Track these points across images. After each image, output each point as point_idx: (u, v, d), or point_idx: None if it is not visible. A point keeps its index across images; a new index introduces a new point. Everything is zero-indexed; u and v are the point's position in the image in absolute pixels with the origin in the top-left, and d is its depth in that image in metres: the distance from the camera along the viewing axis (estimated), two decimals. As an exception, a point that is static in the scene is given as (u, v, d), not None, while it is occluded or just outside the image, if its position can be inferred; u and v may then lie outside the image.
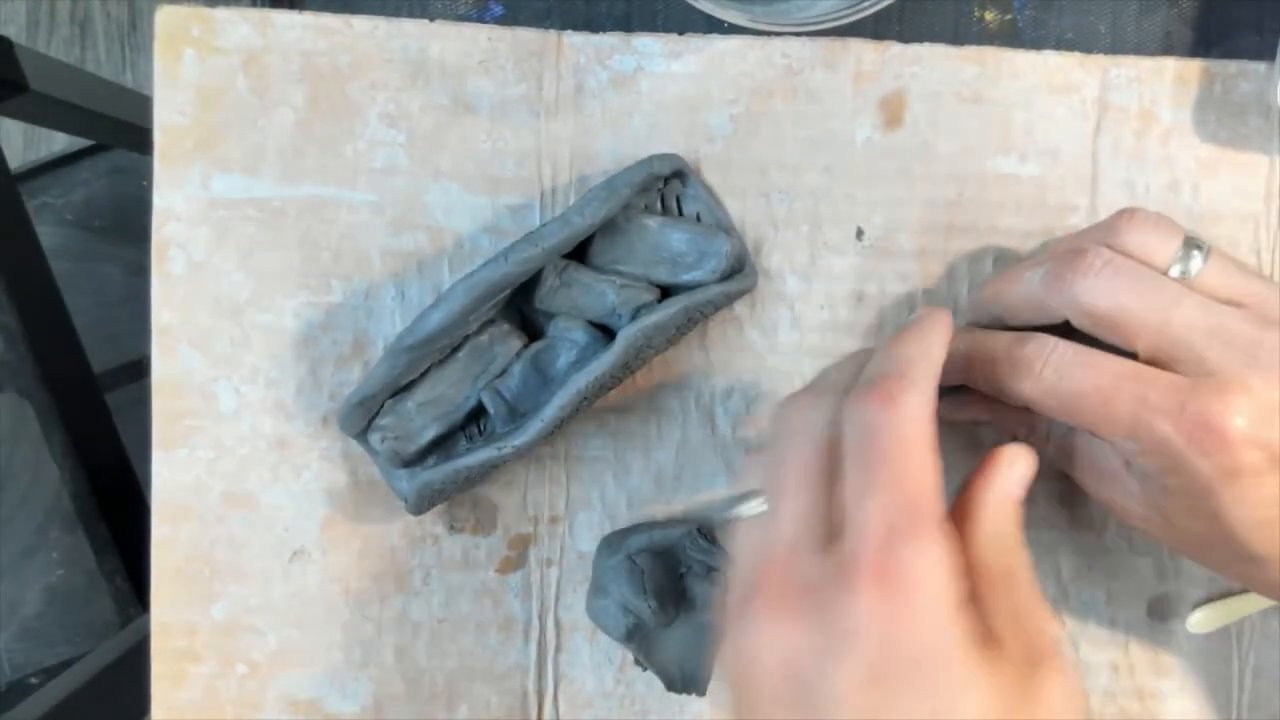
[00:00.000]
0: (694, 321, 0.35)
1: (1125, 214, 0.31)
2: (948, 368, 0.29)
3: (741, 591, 0.26)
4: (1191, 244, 0.30)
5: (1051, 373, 0.30)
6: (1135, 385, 0.28)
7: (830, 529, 0.26)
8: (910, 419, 0.25)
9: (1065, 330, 0.31)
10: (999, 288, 0.33)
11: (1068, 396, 0.29)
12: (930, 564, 0.24)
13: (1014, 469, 0.28)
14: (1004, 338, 0.31)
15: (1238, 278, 0.30)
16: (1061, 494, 0.37)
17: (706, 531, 0.35)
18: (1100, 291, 0.29)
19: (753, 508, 0.30)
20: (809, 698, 0.24)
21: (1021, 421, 0.34)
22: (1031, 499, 0.37)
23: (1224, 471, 0.28)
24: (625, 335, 0.33)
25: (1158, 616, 0.37)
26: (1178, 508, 0.30)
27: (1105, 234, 0.30)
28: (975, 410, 0.33)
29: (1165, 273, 0.30)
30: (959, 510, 0.27)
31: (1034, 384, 0.30)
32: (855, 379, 0.28)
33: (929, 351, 0.27)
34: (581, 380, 0.33)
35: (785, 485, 0.27)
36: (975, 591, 0.25)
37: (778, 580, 0.25)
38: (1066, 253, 0.30)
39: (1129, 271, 0.29)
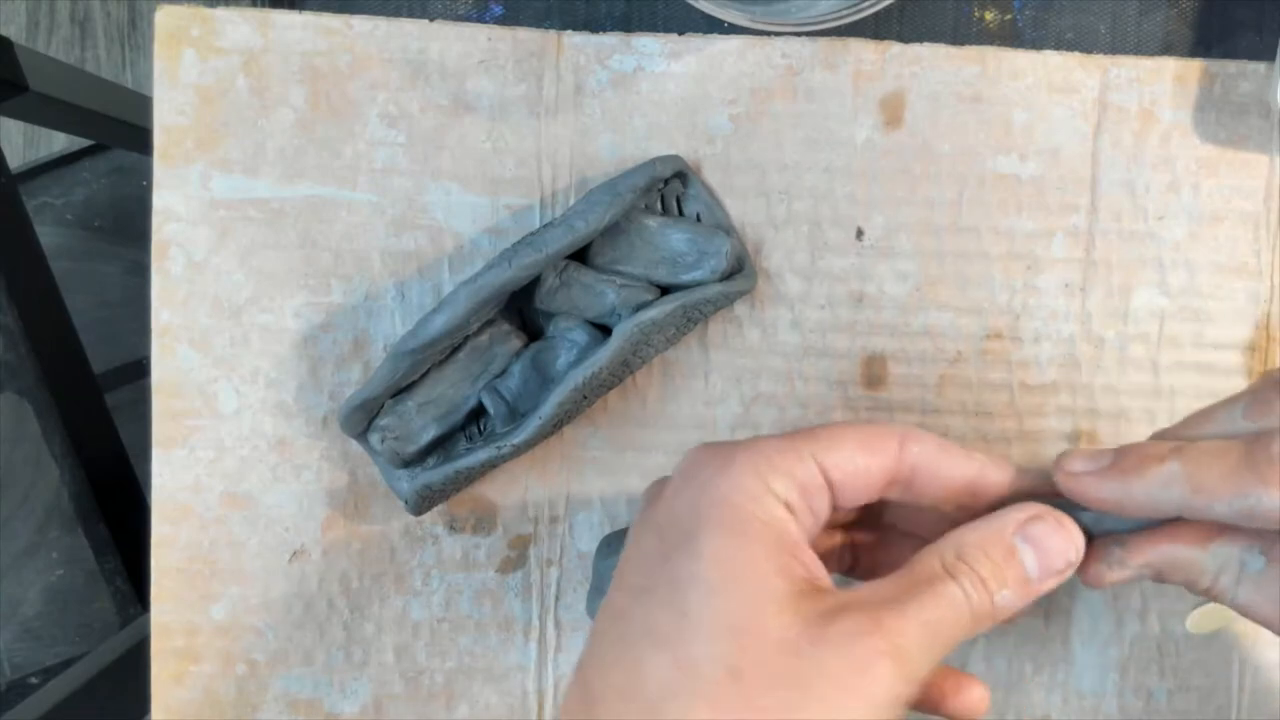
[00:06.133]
0: (693, 321, 0.35)
1: None
2: (1157, 491, 0.26)
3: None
4: None
5: None
6: None
7: None
8: None
9: None
10: (1180, 445, 0.26)
11: None
12: None
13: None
14: (1226, 443, 0.26)
15: None
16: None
17: None
18: None
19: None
20: None
21: (1203, 570, 0.28)
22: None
23: None
24: (621, 330, 0.33)
25: (1158, 617, 0.37)
26: None
27: None
28: (1150, 552, 0.28)
29: None
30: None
31: None
32: None
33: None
34: (579, 376, 0.33)
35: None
36: None
37: None
38: (1269, 383, 0.26)
39: None
